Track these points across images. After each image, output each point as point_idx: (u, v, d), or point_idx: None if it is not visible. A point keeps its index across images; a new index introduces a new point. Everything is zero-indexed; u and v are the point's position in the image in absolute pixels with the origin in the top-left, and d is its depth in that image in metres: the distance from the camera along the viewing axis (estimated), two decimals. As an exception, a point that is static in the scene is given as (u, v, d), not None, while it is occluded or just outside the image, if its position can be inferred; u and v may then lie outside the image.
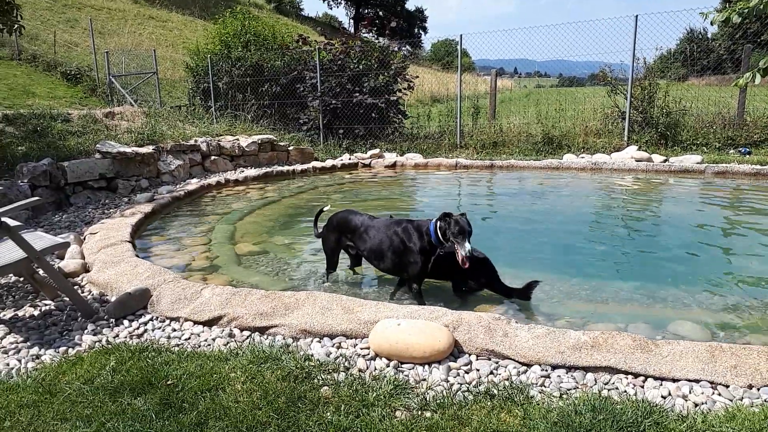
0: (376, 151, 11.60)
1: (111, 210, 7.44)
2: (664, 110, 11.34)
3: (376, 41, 14.73)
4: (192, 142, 9.84)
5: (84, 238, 5.86)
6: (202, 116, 12.82)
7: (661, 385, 2.89)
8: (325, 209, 5.19)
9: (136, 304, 4.12)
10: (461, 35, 12.78)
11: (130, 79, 17.42)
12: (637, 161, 9.76)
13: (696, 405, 2.72)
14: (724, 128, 11.21)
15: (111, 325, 3.97)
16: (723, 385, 2.83)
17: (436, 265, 4.31)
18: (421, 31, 63.40)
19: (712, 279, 4.79)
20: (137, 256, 5.10)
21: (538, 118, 13.33)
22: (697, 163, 9.44)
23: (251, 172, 9.86)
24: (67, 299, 4.42)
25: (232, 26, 14.87)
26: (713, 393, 2.80)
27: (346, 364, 3.27)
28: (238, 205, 7.94)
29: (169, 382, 3.08)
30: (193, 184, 8.75)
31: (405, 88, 13.84)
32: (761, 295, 4.42)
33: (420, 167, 10.83)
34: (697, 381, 2.87)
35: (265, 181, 9.63)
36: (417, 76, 14.63)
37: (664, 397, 2.79)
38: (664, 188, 8.69)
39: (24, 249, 3.80)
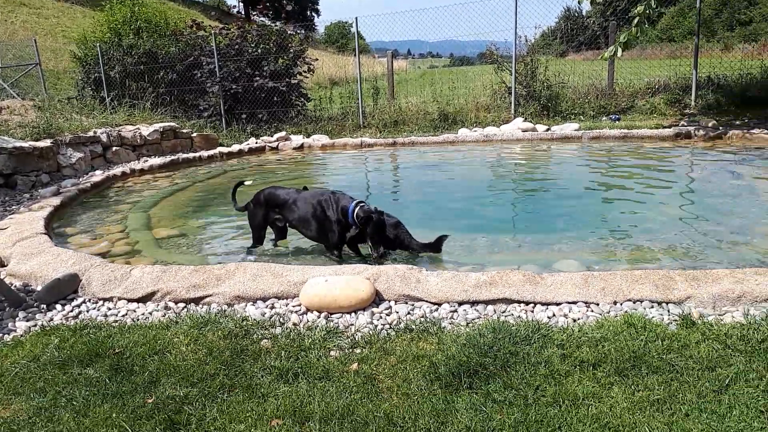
0: (283, 134, 11.81)
1: (14, 207, 7.22)
2: (545, 84, 12.39)
3: (273, 25, 14.77)
4: (91, 133, 9.59)
5: (-8, 235, 5.74)
6: (94, 107, 12.38)
7: (547, 308, 3.51)
8: (246, 183, 5.49)
9: (66, 289, 4.24)
10: (356, 18, 13.17)
11: (9, 71, 16.33)
12: (523, 131, 10.67)
13: (574, 320, 3.35)
14: (597, 98, 12.44)
15: (43, 310, 4.07)
16: (594, 304, 3.49)
17: (352, 238, 4.79)
18: (314, 14, 62.99)
19: (588, 227, 5.58)
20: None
21: (433, 96, 14.04)
22: (575, 130, 10.50)
23: (156, 160, 9.78)
24: (-11, 292, 4.44)
25: (120, 13, 14.34)
26: (588, 310, 3.45)
27: (281, 320, 3.63)
28: (148, 193, 7.95)
29: (116, 351, 3.31)
30: (98, 175, 8.60)
31: (305, 71, 14.05)
32: (626, 236, 5.24)
33: (327, 148, 11.19)
34: (575, 302, 3.51)
35: (171, 169, 9.60)
36: (317, 59, 14.87)
37: (549, 318, 3.41)
38: (548, 154, 9.63)
39: (-54, 242, 3.82)
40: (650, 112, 11.81)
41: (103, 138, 9.74)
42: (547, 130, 10.79)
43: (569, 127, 10.70)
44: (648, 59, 24.62)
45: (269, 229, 5.25)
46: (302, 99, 14.20)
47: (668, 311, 3.35)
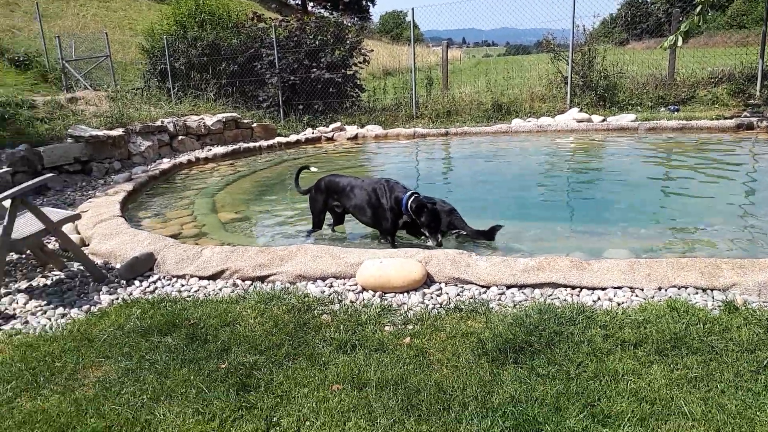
0: (338, 124, 12.12)
1: (90, 192, 7.80)
2: (602, 74, 12.21)
3: (330, 16, 15.08)
4: (159, 123, 10.16)
5: (75, 217, 6.26)
6: (160, 98, 13.02)
7: (593, 293, 3.64)
8: (312, 169, 5.82)
9: (143, 266, 4.64)
10: (413, 8, 13.32)
11: (81, 63, 17.28)
12: (578, 122, 10.60)
13: (618, 304, 3.48)
14: (656, 88, 12.18)
15: (123, 285, 4.48)
16: (639, 289, 3.60)
17: (407, 224, 5.03)
18: (369, 3, 63.21)
19: (640, 217, 5.61)
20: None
21: (487, 86, 14.05)
22: (631, 121, 10.35)
23: (219, 149, 10.27)
24: (75, 269, 4.91)
25: (186, 5, 14.97)
26: (632, 295, 3.56)
27: (339, 298, 3.91)
28: (212, 180, 8.40)
29: (191, 323, 3.66)
30: (166, 163, 9.13)
31: (361, 62, 14.32)
32: (678, 226, 5.26)
33: (380, 138, 11.43)
34: (620, 288, 3.63)
35: (233, 158, 10.06)
36: (372, 50, 15.11)
37: (594, 301, 3.54)
38: (603, 145, 9.57)
39: (43, 221, 4.27)
40: (712, 103, 11.50)
41: (170, 127, 10.29)
42: (603, 120, 10.69)
43: (625, 118, 10.56)
44: (716, 47, 23.67)
45: (328, 215, 5.54)
46: (357, 90, 14.48)
47: (712, 298, 3.43)
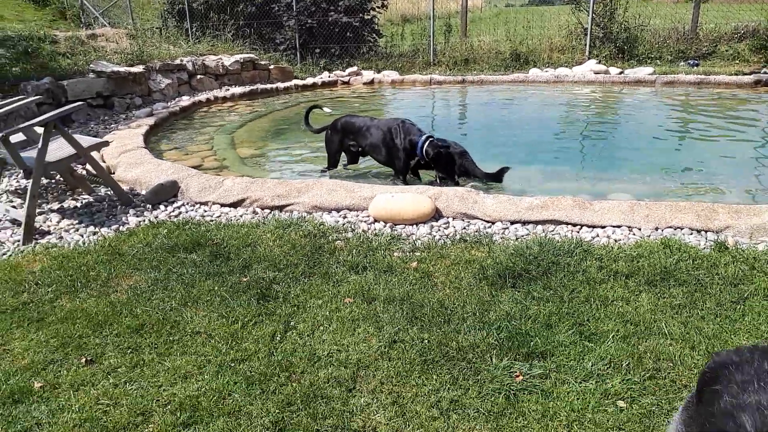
0: (354, 69, 12.15)
1: (112, 125, 8.02)
2: (624, 26, 12.06)
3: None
4: (178, 61, 10.27)
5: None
6: (178, 37, 13.05)
7: (592, 230, 3.85)
8: (325, 110, 5.99)
9: (167, 193, 4.90)
10: (433, -48, 13.08)
11: (99, 0, 17.23)
12: (595, 74, 10.57)
13: (616, 241, 3.69)
14: (677, 42, 12.03)
15: (149, 209, 4.75)
16: (637, 228, 3.80)
17: (419, 165, 5.23)
18: (389, -52, 61.40)
19: (649, 166, 5.75)
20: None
21: (507, 35, 13.91)
22: (649, 74, 10.30)
23: (237, 89, 10.40)
24: (102, 193, 5.19)
25: (204, -56, 14.76)
26: (630, 233, 3.77)
27: (352, 227, 4.15)
28: (231, 118, 8.58)
29: (214, 242, 3.93)
30: (186, 100, 9.30)
31: (379, 7, 14.19)
32: (684, 175, 5.41)
33: (396, 83, 11.48)
34: (618, 226, 3.84)
35: (251, 98, 10.20)
36: (390, -6, 14.93)
37: (593, 238, 3.76)
38: (618, 96, 9.58)
39: (74, 146, 4.51)
40: (732, 59, 11.37)
41: (189, 66, 10.40)
42: (620, 73, 10.64)
43: (643, 71, 10.51)
44: (748, 2, 23.01)
45: (342, 156, 5.73)
46: (374, 35, 14.40)
47: (706, 238, 3.63)
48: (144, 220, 4.52)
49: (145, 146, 6.28)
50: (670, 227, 3.75)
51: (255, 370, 2.60)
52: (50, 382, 2.58)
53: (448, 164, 5.05)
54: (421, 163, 5.17)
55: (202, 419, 2.32)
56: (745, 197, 4.73)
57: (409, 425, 2.25)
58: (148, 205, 4.81)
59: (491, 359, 2.59)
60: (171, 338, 2.89)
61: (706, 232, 3.68)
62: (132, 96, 9.22)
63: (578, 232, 3.86)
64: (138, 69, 9.36)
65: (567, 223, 3.93)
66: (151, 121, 7.58)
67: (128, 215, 4.64)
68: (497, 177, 5.17)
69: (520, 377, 2.47)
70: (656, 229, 3.77)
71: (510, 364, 2.55)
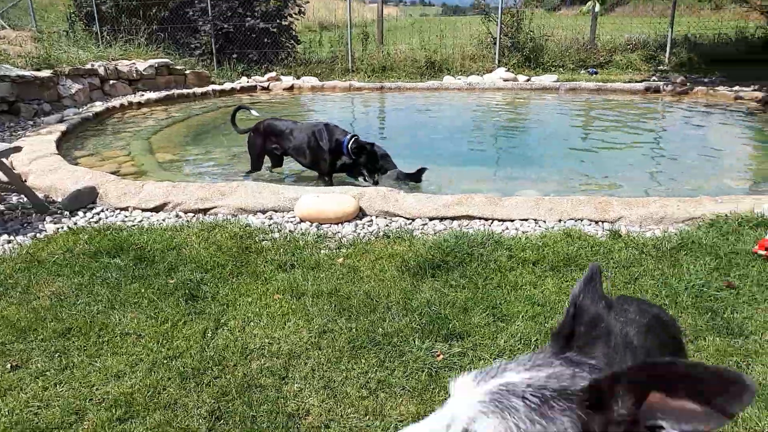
0: (273, 74, 12.17)
1: (19, 132, 7.66)
2: (529, 36, 12.82)
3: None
4: (89, 66, 9.91)
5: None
6: (88, 42, 12.56)
7: (503, 224, 4.17)
8: (253, 113, 6.08)
9: (85, 199, 4.80)
10: (349, -38, 13.33)
11: (-4, 1, 16.23)
12: (504, 81, 11.18)
13: (524, 233, 4.01)
14: (578, 52, 12.93)
15: (67, 216, 4.64)
16: (542, 221, 4.15)
17: (344, 166, 5.40)
18: (304, -46, 61.36)
19: (554, 165, 6.22)
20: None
21: (421, 44, 14.39)
22: (553, 81, 11.03)
23: (153, 95, 10.17)
24: (15, 201, 5.00)
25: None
26: (536, 225, 4.11)
27: (279, 228, 4.26)
28: (147, 123, 8.40)
29: (138, 246, 3.92)
30: (99, 106, 9.01)
31: (296, 13, 14.27)
32: (584, 173, 5.89)
33: (317, 89, 11.61)
34: (526, 219, 4.17)
35: (167, 104, 10.00)
36: (307, 1, 15.04)
37: (503, 230, 4.07)
38: (526, 102, 10.19)
39: (-17, 152, 4.34)
40: (626, 67, 12.36)
41: (101, 71, 10.07)
42: (527, 80, 11.31)
43: (548, 79, 11.22)
44: (640, 16, 24.84)
45: (266, 160, 5.82)
46: (292, 41, 14.46)
47: (603, 228, 4.03)
48: (62, 227, 4.41)
49: (58, 153, 6.08)
50: (572, 219, 4.13)
51: (188, 366, 2.67)
52: (-26, 389, 2.54)
53: (373, 160, 5.24)
54: (346, 162, 5.33)
55: (138, 414, 2.38)
56: (636, 191, 5.23)
57: (340, 405, 2.41)
58: (65, 212, 4.69)
59: (414, 342, 2.80)
60: (100, 340, 2.90)
61: (602, 222, 4.08)
62: (40, 102, 8.82)
63: (490, 225, 4.16)
64: (45, 73, 8.98)
65: (480, 218, 4.23)
66: (62, 127, 7.31)
67: (45, 223, 4.51)
68: (416, 177, 5.43)
69: (441, 356, 2.69)
70: (559, 221, 4.14)
71: (431, 345, 2.77)
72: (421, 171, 5.41)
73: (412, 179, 5.43)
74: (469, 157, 6.69)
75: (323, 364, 2.67)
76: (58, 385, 2.56)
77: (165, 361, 2.71)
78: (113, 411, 2.38)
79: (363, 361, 2.68)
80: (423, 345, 2.77)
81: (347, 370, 2.63)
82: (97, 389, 2.54)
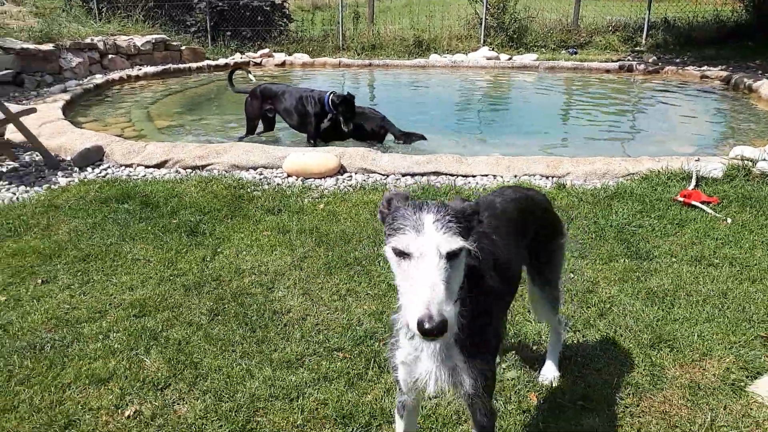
0: (266, 51, 12.59)
1: (24, 102, 8.10)
2: (514, 17, 13.28)
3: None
4: (89, 40, 10.31)
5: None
6: (87, 17, 12.92)
7: (466, 179, 4.72)
8: (250, 77, 6.63)
9: (93, 156, 5.31)
10: (340, -58, 13.70)
11: (-6, -24, 16.48)
12: (487, 59, 11.67)
13: (483, 186, 4.57)
14: (560, 32, 13.41)
15: (77, 171, 5.15)
16: (500, 176, 4.71)
17: (328, 130, 5.94)
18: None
19: (521, 131, 6.76)
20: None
21: (411, 24, 14.82)
22: (533, 60, 11.53)
23: (150, 69, 10.60)
24: (28, 159, 5.51)
25: None
26: (494, 180, 4.66)
27: (268, 181, 4.79)
28: (145, 95, 8.87)
29: (143, 194, 4.45)
30: (99, 78, 9.45)
31: (289, -8, 14.65)
32: (549, 139, 6.44)
33: (307, 65, 12.06)
34: (486, 175, 4.72)
35: (164, 77, 10.45)
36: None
37: (466, 183, 4.62)
38: (506, 79, 10.71)
39: (3, 112, 4.84)
40: (605, 48, 12.85)
41: (100, 46, 10.48)
42: (509, 59, 11.79)
43: (528, 58, 11.72)
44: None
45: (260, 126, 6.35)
46: (285, 20, 14.85)
47: (552, 181, 4.58)
48: (74, 180, 4.93)
49: (65, 118, 6.56)
50: (526, 175, 4.68)
51: (190, 281, 3.22)
52: (13, 296, 3.09)
53: (351, 108, 5.74)
54: (328, 128, 5.86)
55: (150, 312, 2.93)
56: (588, 152, 5.78)
57: (315, 306, 2.97)
58: (75, 168, 5.20)
59: (380, 263, 3.36)
60: (115, 264, 3.45)
61: (552, 177, 4.64)
62: (42, 74, 9.24)
63: (455, 180, 4.71)
64: (47, 47, 9.38)
65: (446, 174, 4.77)
66: (66, 96, 7.78)
67: (57, 177, 5.02)
68: (409, 138, 6.00)
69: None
70: (515, 176, 4.69)
71: (393, 267, 3.33)
72: (416, 136, 6.01)
73: (406, 139, 6.03)
74: (450, 127, 7.21)
75: (303, 279, 3.23)
76: (82, 295, 3.11)
77: (170, 278, 3.26)
78: (130, 311, 2.93)
79: (336, 277, 3.24)
80: (386, 265, 3.33)
81: (323, 283, 3.19)
82: (114, 297, 3.08)
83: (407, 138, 6.07)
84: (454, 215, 1.38)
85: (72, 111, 7.62)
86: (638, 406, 2.30)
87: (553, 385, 2.41)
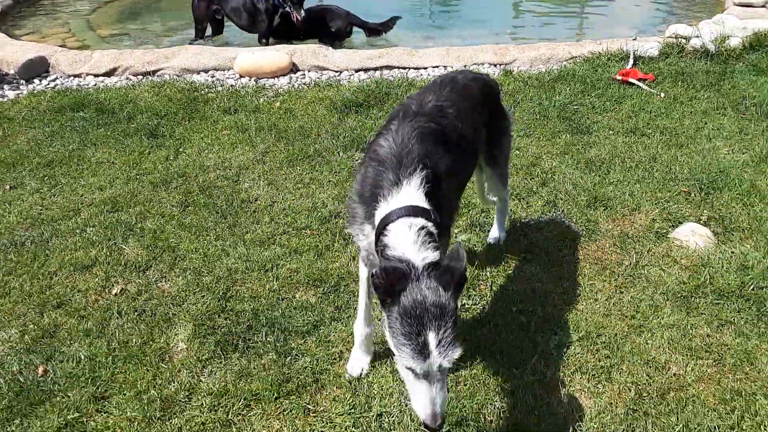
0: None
1: (-50, 15, 7.65)
2: None
3: None
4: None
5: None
6: None
7: (418, 71, 4.83)
8: None
9: (38, 67, 5.16)
10: None
11: None
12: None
13: (431, 75, 4.70)
14: None
15: (23, 84, 5.03)
16: (450, 66, 4.83)
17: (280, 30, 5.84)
18: None
19: (477, 24, 6.76)
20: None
21: None
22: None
23: (81, -24, 10.00)
24: (-32, 75, 5.32)
25: None
26: (445, 70, 4.78)
27: (221, 83, 4.80)
28: (81, 5, 8.42)
29: (98, 102, 4.43)
30: (27, -13, 8.90)
31: None
32: (500, 28, 6.51)
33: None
34: (437, 66, 4.84)
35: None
36: None
37: (417, 75, 4.74)
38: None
39: (-65, 22, 4.63)
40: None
41: (23, -49, 9.76)
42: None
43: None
44: None
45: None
46: None
47: (500, 69, 4.75)
48: (22, 93, 4.83)
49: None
50: (475, 63, 4.82)
51: (157, 179, 3.35)
52: (-18, 203, 3.17)
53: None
54: (281, 20, 5.74)
55: (123, 208, 3.08)
56: (537, 36, 5.93)
57: (281, 193, 3.16)
58: (21, 81, 5.07)
59: (339, 154, 3.54)
60: (80, 167, 3.53)
61: (500, 65, 4.80)
62: (-38, -15, 8.65)
63: (407, 73, 4.83)
64: (-35, -46, 8.71)
65: (398, 67, 4.87)
66: (-4, 8, 7.36)
67: (4, 90, 4.90)
68: (387, 25, 5.96)
69: (359, 161, 3.44)
70: (464, 65, 4.82)
71: (352, 155, 3.52)
72: (394, 19, 5.94)
73: (384, 28, 5.96)
74: (412, 21, 7.14)
75: (267, 171, 3.40)
76: (53, 197, 3.22)
77: (137, 177, 3.38)
78: (102, 207, 3.07)
79: (298, 168, 3.42)
80: (345, 155, 3.52)
81: (286, 174, 3.37)
82: (85, 197, 3.20)
83: (384, 27, 5.98)
84: (453, 318, 1.46)
85: (4, 24, 7.24)
86: (574, 255, 2.62)
87: (500, 243, 2.71)
